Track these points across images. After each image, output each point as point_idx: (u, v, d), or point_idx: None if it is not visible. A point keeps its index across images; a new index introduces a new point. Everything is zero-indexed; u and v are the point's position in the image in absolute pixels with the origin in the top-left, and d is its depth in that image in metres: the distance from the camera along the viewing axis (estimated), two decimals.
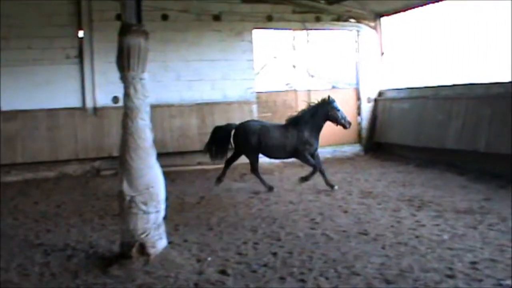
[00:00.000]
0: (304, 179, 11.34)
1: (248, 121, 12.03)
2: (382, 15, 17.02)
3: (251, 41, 15.88)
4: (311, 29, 16.93)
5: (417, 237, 7.53)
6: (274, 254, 6.97)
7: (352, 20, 16.93)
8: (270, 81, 17.71)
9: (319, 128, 11.42)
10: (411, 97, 15.76)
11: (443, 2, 14.29)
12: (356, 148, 17.20)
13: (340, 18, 16.73)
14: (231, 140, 11.68)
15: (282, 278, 6.08)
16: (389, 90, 17.06)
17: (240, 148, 11.67)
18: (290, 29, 16.82)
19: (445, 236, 7.52)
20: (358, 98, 17.33)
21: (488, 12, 13.48)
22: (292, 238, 7.70)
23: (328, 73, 17.99)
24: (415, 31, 16.22)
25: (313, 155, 11.39)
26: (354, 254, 6.83)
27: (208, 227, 8.47)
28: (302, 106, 16.37)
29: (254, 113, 15.73)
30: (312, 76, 17.81)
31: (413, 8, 15.52)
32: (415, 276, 5.96)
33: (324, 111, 11.26)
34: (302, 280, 5.99)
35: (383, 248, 7.07)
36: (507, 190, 10.45)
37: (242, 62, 15.77)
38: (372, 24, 17.14)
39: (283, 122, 11.91)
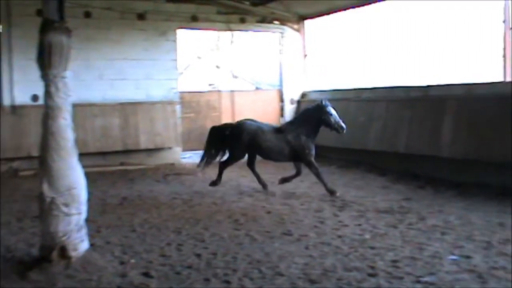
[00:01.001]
0: (285, 180, 11.25)
1: (244, 121, 11.68)
2: (306, 18, 17.22)
3: (175, 41, 15.76)
4: (236, 30, 16.98)
5: (339, 237, 7.63)
6: (198, 255, 6.91)
7: (277, 22, 17.05)
8: (194, 81, 17.66)
9: (315, 132, 11.05)
10: (334, 99, 15.86)
11: (366, 6, 14.58)
12: None
13: (265, 20, 16.83)
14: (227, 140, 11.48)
15: (206, 280, 6.03)
16: (312, 91, 17.27)
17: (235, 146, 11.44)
18: (214, 29, 16.82)
19: (367, 236, 7.66)
20: (281, 100, 17.47)
21: (410, 16, 13.81)
22: (216, 239, 7.65)
23: (252, 74, 18.05)
24: (339, 34, 16.47)
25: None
26: (278, 254, 6.85)
27: (131, 228, 8.33)
28: (226, 107, 16.53)
29: (177, 114, 15.62)
30: (236, 77, 17.86)
31: (337, 11, 15.77)
32: (339, 275, 6.03)
33: (317, 115, 10.88)
34: (227, 281, 5.96)
35: (306, 248, 7.13)
36: (426, 190, 10.78)
37: (166, 61, 15.62)
38: (296, 26, 17.32)
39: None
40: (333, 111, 10.77)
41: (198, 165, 11.71)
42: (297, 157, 11.05)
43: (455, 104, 11.75)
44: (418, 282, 5.79)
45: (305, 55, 17.48)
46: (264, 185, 11.34)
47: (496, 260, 6.43)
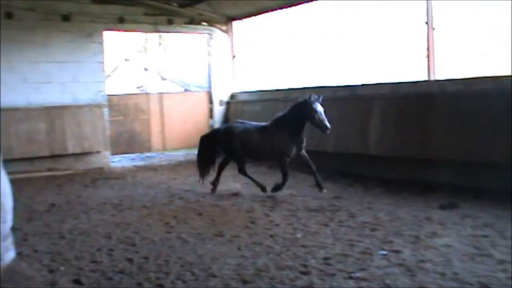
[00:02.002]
0: (277, 188, 10.59)
1: (231, 124, 11.62)
2: (234, 19, 17.25)
3: (102, 43, 15.50)
4: (163, 32, 16.85)
5: (271, 236, 7.67)
6: (130, 260, 6.81)
7: (204, 23, 17.03)
8: (122, 84, 17.46)
9: (299, 130, 10.50)
10: (263, 100, 16.07)
11: (294, 7, 14.72)
12: None
13: (193, 21, 16.78)
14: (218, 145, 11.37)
15: (139, 284, 5.95)
16: (241, 93, 17.33)
17: (225, 151, 11.37)
18: (142, 31, 16.65)
19: (299, 234, 7.72)
20: (211, 101, 17.46)
21: (337, 17, 14.02)
22: (147, 243, 7.57)
23: (180, 76, 17.96)
24: (267, 35, 16.56)
25: (299, 155, 10.69)
26: (210, 256, 6.83)
27: (59, 235, 8.13)
28: (154, 109, 16.39)
29: (105, 117, 15.37)
30: (164, 79, 17.74)
31: (265, 12, 15.85)
32: (271, 275, 6.05)
33: (303, 112, 10.31)
34: (160, 285, 5.89)
35: (239, 248, 7.13)
36: (355, 188, 10.97)
37: (93, 64, 15.34)
38: (224, 27, 17.35)
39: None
40: (319, 108, 10.20)
41: (199, 180, 11.57)
42: (275, 154, 10.74)
43: (381, 103, 12.00)
44: (350, 278, 5.88)
45: (234, 56, 17.51)
46: (262, 188, 10.90)
47: (424, 254, 6.59)
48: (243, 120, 11.63)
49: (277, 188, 10.55)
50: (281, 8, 15.17)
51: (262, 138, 10.78)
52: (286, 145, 10.48)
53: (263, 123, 11.10)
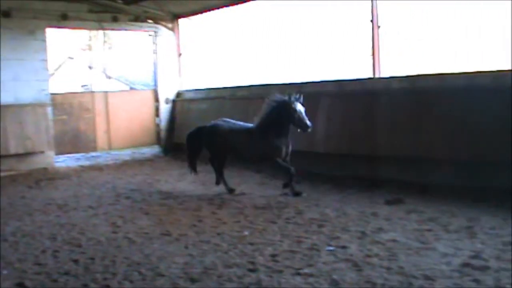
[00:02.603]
0: (286, 185, 10.25)
1: (216, 122, 11.20)
2: (180, 17, 17.14)
3: (44, 40, 15.13)
4: (108, 29, 16.62)
5: (219, 234, 7.66)
6: (76, 261, 6.70)
7: (150, 21, 16.84)
8: (66, 82, 17.17)
9: (285, 130, 10.19)
10: (209, 98, 16.03)
11: (240, 4, 14.71)
12: (155, 150, 17.20)
13: (138, 18, 16.56)
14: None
15: (85, 285, 5.86)
16: (187, 91, 17.23)
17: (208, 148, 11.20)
18: (86, 29, 16.39)
19: (246, 232, 7.72)
20: (157, 100, 17.29)
21: (283, 15, 14.06)
22: (93, 244, 7.47)
23: (126, 74, 17.78)
24: (213, 32, 16.50)
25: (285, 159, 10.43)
26: (157, 255, 6.78)
27: (2, 238, 7.92)
28: (99, 108, 16.16)
29: (49, 116, 15.04)
30: (110, 78, 17.53)
31: (211, 10, 15.79)
32: (219, 273, 6.04)
33: (285, 111, 10.02)
34: (106, 286, 5.81)
35: (186, 247, 7.09)
36: (302, 185, 10.99)
37: (35, 62, 14.95)
38: (170, 25, 17.20)
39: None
40: (299, 108, 9.94)
41: (190, 172, 11.65)
42: (266, 156, 10.50)
43: (327, 100, 12.08)
44: (298, 274, 5.91)
45: (180, 54, 17.40)
46: (229, 190, 10.74)
47: (370, 248, 6.68)
48: (226, 119, 11.31)
49: (286, 185, 10.27)
50: (227, 5, 15.12)
51: (249, 141, 10.52)
52: (274, 147, 10.22)
53: (248, 124, 10.91)
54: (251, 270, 6.09)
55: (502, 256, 6.20)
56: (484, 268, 5.83)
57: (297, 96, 10.07)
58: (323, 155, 12.08)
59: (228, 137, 10.73)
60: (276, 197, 10.02)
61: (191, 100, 16.82)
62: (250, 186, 11.20)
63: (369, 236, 7.24)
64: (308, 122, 9.88)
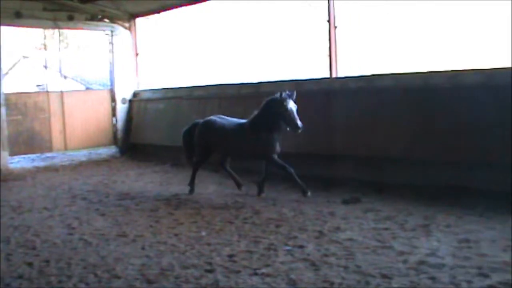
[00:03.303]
0: (304, 192, 9.74)
1: (209, 119, 10.79)
2: (137, 16, 16.98)
3: None
4: (64, 28, 16.36)
5: (176, 235, 7.61)
6: (30, 264, 6.56)
7: (107, 20, 16.64)
8: (20, 82, 16.85)
9: (277, 127, 9.78)
10: (166, 98, 15.93)
11: (197, 4, 14.64)
12: (112, 150, 17.01)
13: (94, 17, 16.33)
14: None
15: None
16: (144, 91, 17.08)
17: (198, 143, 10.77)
18: (41, 27, 16.09)
19: (203, 232, 7.68)
20: (113, 100, 17.09)
21: (241, 15, 14.05)
22: (48, 246, 7.33)
23: (82, 74, 17.54)
24: (171, 32, 16.39)
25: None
26: (114, 257, 6.69)
27: None
28: (55, 108, 15.91)
29: (3, 116, 14.72)
30: (65, 77, 17.25)
31: (168, 9, 15.69)
32: (176, 274, 5.99)
33: (275, 109, 9.62)
34: None
35: (143, 248, 7.02)
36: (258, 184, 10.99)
37: None
38: (127, 24, 17.02)
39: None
40: (291, 106, 9.51)
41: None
42: (259, 154, 10.11)
43: None
44: (255, 274, 5.89)
45: (137, 54, 17.23)
46: (239, 185, 10.53)
47: (328, 248, 6.70)
48: (222, 116, 10.96)
49: (295, 182, 9.88)
50: (184, 5, 15.05)
51: (241, 137, 10.18)
52: (267, 143, 9.87)
53: (240, 120, 10.51)
54: (208, 271, 6.05)
55: (457, 254, 6.29)
56: (440, 266, 5.90)
57: (290, 93, 9.67)
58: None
59: (221, 132, 10.41)
60: (234, 197, 10.00)
61: (148, 100, 16.68)
62: (207, 186, 11.15)
63: (326, 235, 7.27)
64: (298, 122, 9.41)
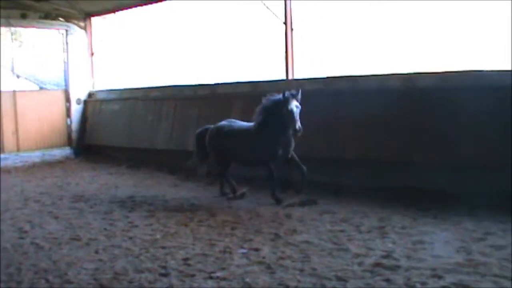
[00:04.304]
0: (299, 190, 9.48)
1: (218, 124, 10.15)
2: (93, 15, 16.75)
3: None
4: (17, 27, 16.04)
5: (130, 238, 7.50)
6: None
7: (61, 19, 16.37)
8: None
9: (283, 129, 9.10)
10: (122, 98, 15.76)
11: (153, 4, 14.52)
12: (66, 151, 16.72)
13: (48, 16, 16.06)
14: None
15: None
16: (99, 91, 16.87)
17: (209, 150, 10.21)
18: None
19: (158, 235, 7.59)
20: (68, 100, 16.82)
21: (197, 16, 13.97)
22: None
23: (36, 74, 17.21)
24: (127, 32, 16.21)
25: (287, 160, 9.47)
26: (66, 261, 6.55)
27: None
28: (7, 109, 15.57)
29: None
30: (18, 77, 16.92)
31: (124, 9, 15.52)
32: (130, 278, 5.89)
33: (278, 110, 9.05)
34: None
35: (96, 252, 6.89)
36: (215, 186, 10.93)
37: None
38: (82, 24, 16.78)
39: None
40: (292, 106, 8.90)
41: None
42: (260, 160, 9.55)
43: (241, 101, 12.07)
44: (210, 278, 5.83)
45: (92, 54, 16.99)
46: (237, 194, 9.95)
47: (284, 250, 6.67)
48: (232, 120, 10.37)
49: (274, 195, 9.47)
50: (140, 5, 14.91)
51: (246, 141, 9.63)
52: (270, 147, 9.28)
53: (248, 124, 9.89)
54: (162, 275, 5.97)
55: (412, 255, 6.32)
56: (395, 268, 5.92)
57: (294, 92, 9.09)
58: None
59: (228, 138, 9.84)
60: (189, 199, 9.94)
61: (103, 101, 16.48)
62: (163, 189, 11.05)
63: (282, 238, 7.24)
64: (297, 125, 8.81)
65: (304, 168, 9.37)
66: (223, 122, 10.16)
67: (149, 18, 15.35)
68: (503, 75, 8.80)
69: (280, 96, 9.11)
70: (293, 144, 9.35)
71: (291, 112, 8.89)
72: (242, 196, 9.89)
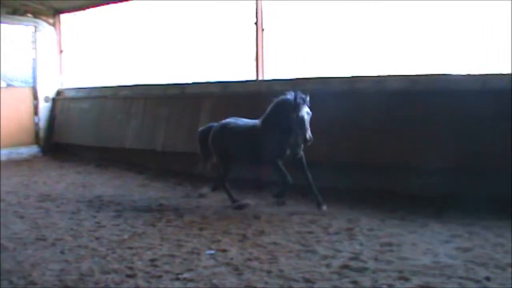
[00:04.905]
0: (279, 196, 9.04)
1: (222, 123, 9.57)
2: (62, 12, 16.57)
3: None
4: None
5: (97, 238, 7.42)
6: None
7: (30, 15, 16.16)
8: None
9: (288, 129, 8.55)
10: (91, 97, 15.63)
11: (124, 2, 14.43)
12: (34, 150, 16.51)
13: (16, 12, 15.83)
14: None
15: None
16: (68, 89, 16.70)
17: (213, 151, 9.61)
18: None
19: (125, 236, 7.52)
20: (35, 98, 16.62)
21: (166, 14, 13.87)
22: None
23: (3, 70, 16.92)
24: (97, 29, 16.03)
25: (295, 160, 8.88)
26: (31, 262, 6.44)
27: None
28: None
29: None
30: None
31: (95, 6, 15.40)
32: (96, 279, 5.82)
33: (286, 111, 8.47)
34: None
35: (62, 253, 6.80)
36: (184, 186, 10.92)
37: None
38: (51, 20, 16.59)
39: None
40: (304, 114, 8.27)
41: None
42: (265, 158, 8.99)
43: (211, 101, 12.05)
44: (177, 279, 5.80)
45: (61, 51, 16.82)
46: (238, 204, 9.23)
47: (251, 252, 6.66)
48: (238, 118, 9.72)
49: (279, 195, 9.11)
50: (111, 2, 14.81)
51: (250, 139, 9.05)
52: (276, 145, 8.76)
53: (254, 121, 9.29)
54: (129, 276, 5.91)
55: (380, 257, 6.35)
56: (362, 269, 5.94)
57: (305, 95, 8.46)
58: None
59: (232, 137, 9.30)
60: (158, 199, 9.87)
61: (72, 99, 16.31)
62: (131, 188, 10.97)
63: (250, 239, 7.23)
64: (307, 134, 8.20)
65: (309, 174, 8.82)
66: (228, 120, 9.59)
67: (119, 16, 15.20)
68: (470, 79, 8.99)
69: (291, 98, 8.47)
70: (302, 145, 8.71)
71: (301, 119, 8.25)
72: (244, 206, 9.12)
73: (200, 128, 10.09)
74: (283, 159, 8.80)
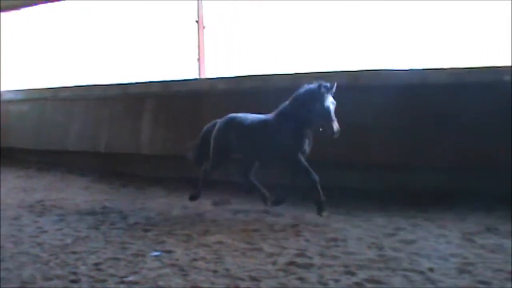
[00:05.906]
0: (319, 202, 7.94)
1: (229, 116, 8.77)
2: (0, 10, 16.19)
3: None
4: None
5: (39, 244, 7.25)
6: None
7: None
8: None
9: (310, 122, 7.86)
10: (30, 99, 15.31)
11: (63, 1, 14.20)
12: None
13: None
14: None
15: None
16: (6, 91, 16.32)
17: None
18: None
19: (68, 240, 7.38)
20: None
21: (109, 14, 13.71)
22: None
23: None
24: (36, 29, 15.72)
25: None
26: None
27: None
28: None
29: None
30: None
31: (33, 5, 15.10)
32: (38, 286, 5.70)
33: (310, 103, 7.72)
34: None
35: (2, 260, 6.62)
36: (128, 188, 10.81)
37: None
38: None
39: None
40: (329, 104, 7.56)
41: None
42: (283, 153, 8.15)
43: (153, 101, 11.96)
44: (122, 282, 5.72)
45: None
46: (265, 198, 8.70)
47: (197, 252, 6.61)
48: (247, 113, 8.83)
49: (279, 201, 8.53)
50: (51, 1, 14.55)
51: (262, 134, 8.28)
52: (296, 140, 7.99)
53: (263, 116, 8.54)
54: (73, 281, 5.79)
55: (326, 253, 6.40)
56: (308, 266, 5.97)
57: (330, 85, 7.70)
58: (148, 157, 11.91)
59: (242, 132, 8.50)
60: (101, 202, 9.72)
61: (10, 101, 15.94)
62: (74, 191, 10.78)
63: (195, 239, 7.18)
64: (335, 126, 7.49)
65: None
66: (234, 114, 8.79)
67: (58, 15, 14.95)
68: (412, 73, 9.14)
69: (314, 87, 7.76)
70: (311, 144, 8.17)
71: (327, 110, 7.54)
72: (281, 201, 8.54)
73: (206, 126, 9.21)
74: (305, 154, 8.07)
